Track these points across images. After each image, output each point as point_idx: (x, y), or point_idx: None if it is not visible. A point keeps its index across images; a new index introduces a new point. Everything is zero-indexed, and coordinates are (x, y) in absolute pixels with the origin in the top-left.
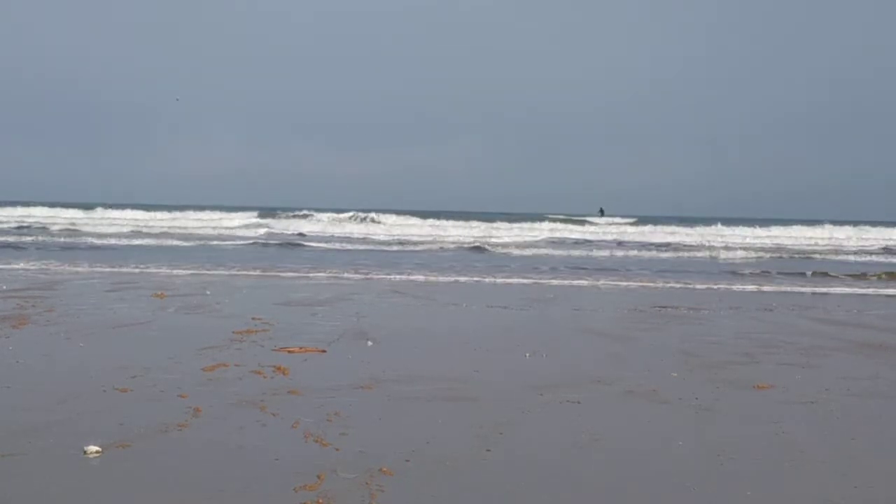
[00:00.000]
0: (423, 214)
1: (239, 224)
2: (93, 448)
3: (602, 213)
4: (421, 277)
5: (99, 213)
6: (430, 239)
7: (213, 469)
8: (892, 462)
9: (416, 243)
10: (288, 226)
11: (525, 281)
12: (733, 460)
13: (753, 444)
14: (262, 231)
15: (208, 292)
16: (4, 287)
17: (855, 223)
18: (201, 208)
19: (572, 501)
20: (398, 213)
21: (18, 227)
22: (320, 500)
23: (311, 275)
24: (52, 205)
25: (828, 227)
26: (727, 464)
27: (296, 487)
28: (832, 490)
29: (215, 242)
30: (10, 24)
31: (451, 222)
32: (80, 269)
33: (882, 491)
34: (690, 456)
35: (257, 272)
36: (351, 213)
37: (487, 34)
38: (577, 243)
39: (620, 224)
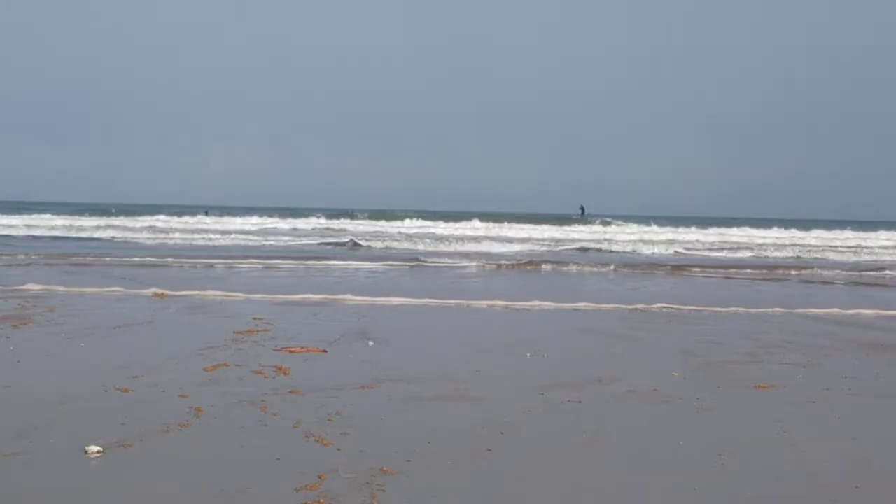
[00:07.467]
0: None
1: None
2: (94, 448)
3: (583, 211)
4: None
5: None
6: None
7: (214, 469)
8: (893, 462)
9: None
10: None
11: None
12: (734, 460)
13: (754, 443)
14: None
15: None
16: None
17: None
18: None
19: (573, 501)
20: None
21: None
22: (321, 500)
23: None
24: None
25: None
26: (728, 464)
27: (297, 487)
28: (833, 490)
29: None
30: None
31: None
32: None
33: (883, 491)
34: (691, 456)
35: None
36: None
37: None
38: None
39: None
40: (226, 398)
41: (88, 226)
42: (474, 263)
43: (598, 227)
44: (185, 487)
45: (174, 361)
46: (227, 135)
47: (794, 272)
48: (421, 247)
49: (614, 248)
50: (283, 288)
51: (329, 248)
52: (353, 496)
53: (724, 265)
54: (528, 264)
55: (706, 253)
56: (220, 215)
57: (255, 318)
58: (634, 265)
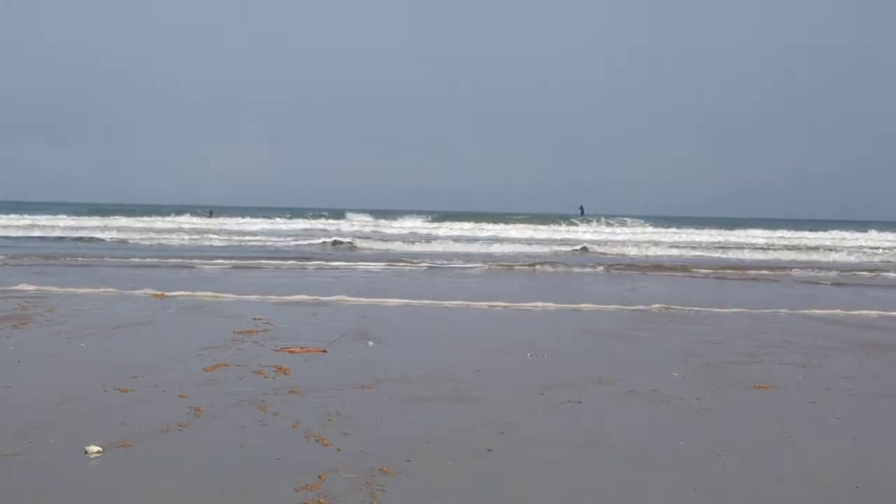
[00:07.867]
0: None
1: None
2: (94, 448)
3: (582, 211)
4: None
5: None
6: None
7: (214, 469)
8: (893, 462)
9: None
10: None
11: None
12: (734, 460)
13: (754, 443)
14: None
15: None
16: None
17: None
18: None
19: (573, 501)
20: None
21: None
22: (321, 500)
23: None
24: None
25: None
26: (728, 464)
27: (297, 487)
28: (833, 490)
29: None
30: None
31: None
32: None
33: (883, 491)
34: (691, 456)
35: None
36: None
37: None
38: None
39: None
40: (226, 398)
41: (88, 226)
42: (474, 264)
43: (598, 227)
44: (185, 487)
45: (174, 361)
46: (227, 135)
47: (794, 272)
48: (421, 247)
49: (614, 248)
50: (282, 288)
51: (329, 248)
52: (353, 496)
53: (725, 265)
54: (527, 265)
55: (706, 253)
56: (230, 216)
57: (254, 319)
58: (634, 265)
